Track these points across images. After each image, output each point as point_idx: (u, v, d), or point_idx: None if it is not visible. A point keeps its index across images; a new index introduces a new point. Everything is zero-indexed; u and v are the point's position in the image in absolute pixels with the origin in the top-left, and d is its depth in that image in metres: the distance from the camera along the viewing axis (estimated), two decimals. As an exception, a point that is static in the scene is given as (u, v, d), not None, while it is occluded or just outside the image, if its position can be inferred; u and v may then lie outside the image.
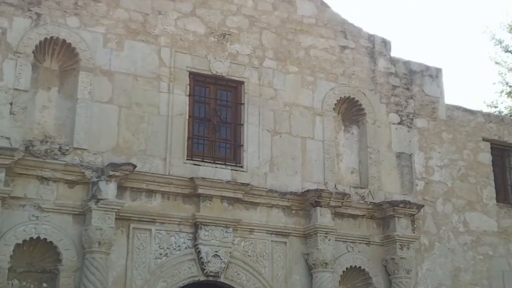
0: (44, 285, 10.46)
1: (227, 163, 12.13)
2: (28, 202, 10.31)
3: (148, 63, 11.71)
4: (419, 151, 14.14)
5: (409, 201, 13.16)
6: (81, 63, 11.12)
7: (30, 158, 10.35)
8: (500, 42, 22.96)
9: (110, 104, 11.26)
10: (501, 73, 22.88)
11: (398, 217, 12.96)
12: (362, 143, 13.64)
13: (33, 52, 10.80)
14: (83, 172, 10.62)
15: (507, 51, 22.84)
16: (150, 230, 11.15)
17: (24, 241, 10.18)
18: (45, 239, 10.29)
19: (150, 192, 11.23)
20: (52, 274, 10.47)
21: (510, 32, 22.94)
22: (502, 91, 22.83)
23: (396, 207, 12.90)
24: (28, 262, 10.39)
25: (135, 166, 10.87)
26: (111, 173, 10.59)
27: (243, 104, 12.51)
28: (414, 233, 13.24)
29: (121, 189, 10.85)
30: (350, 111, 13.76)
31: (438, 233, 13.84)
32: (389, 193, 13.40)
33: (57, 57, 11.20)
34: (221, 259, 11.45)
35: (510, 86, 22.70)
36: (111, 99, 11.28)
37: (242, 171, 12.18)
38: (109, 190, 10.59)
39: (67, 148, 10.72)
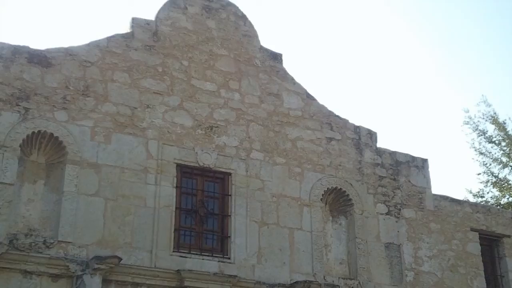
0: None
1: (214, 255, 11.77)
2: (15, 296, 9.92)
3: (135, 156, 11.54)
4: (407, 242, 13.80)
5: (400, 293, 12.76)
6: (68, 156, 10.94)
7: (14, 252, 10.01)
8: (484, 133, 22.99)
9: (97, 196, 11.00)
10: (486, 164, 22.81)
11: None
12: (350, 233, 13.32)
13: (20, 146, 10.64)
14: (68, 266, 10.26)
15: (490, 141, 22.84)
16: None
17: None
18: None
19: (136, 285, 10.84)
20: None
21: (492, 123, 23.04)
22: (488, 181, 22.68)
23: (386, 300, 12.48)
24: None
25: (120, 259, 10.51)
26: (96, 266, 10.24)
27: (230, 195, 12.26)
28: (406, 325, 12.78)
29: (106, 282, 10.46)
30: (337, 201, 13.51)
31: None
32: (378, 284, 13.00)
33: (44, 150, 11.02)
34: None
35: (495, 176, 22.57)
36: (97, 192, 11.03)
37: (230, 262, 11.80)
38: (93, 283, 10.21)
39: (52, 241, 10.39)
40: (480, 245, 14.62)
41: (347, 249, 13.23)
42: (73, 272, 10.25)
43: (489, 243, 14.98)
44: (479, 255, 14.49)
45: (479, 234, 14.69)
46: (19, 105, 10.77)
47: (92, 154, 11.17)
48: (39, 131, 10.85)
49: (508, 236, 15.02)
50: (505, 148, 22.60)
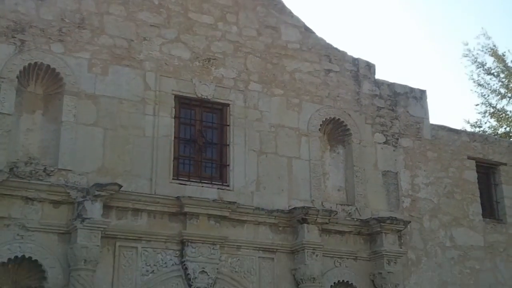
0: (29, 303, 10.01)
1: (213, 182, 11.68)
2: (12, 222, 9.89)
3: (133, 87, 11.35)
4: (404, 170, 13.63)
5: (395, 217, 12.66)
6: (66, 87, 10.77)
7: (15, 179, 9.95)
8: (483, 65, 22.53)
9: (95, 126, 10.87)
10: (484, 95, 22.46)
11: (385, 233, 12.43)
12: (348, 162, 13.15)
13: (17, 77, 10.47)
14: (68, 192, 10.21)
15: (489, 73, 22.40)
16: (137, 248, 10.68)
17: (9, 259, 9.74)
18: (30, 257, 9.84)
19: (136, 211, 10.79)
20: (37, 292, 10.01)
21: (491, 56, 22.54)
22: (486, 112, 22.37)
23: (383, 223, 12.37)
24: (13, 280, 9.95)
25: (120, 186, 10.45)
26: (97, 193, 10.18)
27: (228, 125, 12.10)
28: (401, 248, 12.72)
29: (106, 208, 10.42)
30: (335, 131, 13.30)
31: (425, 248, 13.26)
32: (375, 210, 12.89)
33: (41, 81, 10.86)
34: (208, 275, 10.94)
35: (493, 107, 22.22)
36: (96, 122, 10.90)
37: (229, 190, 11.72)
38: (94, 209, 10.16)
39: (52, 169, 10.33)
40: (477, 172, 14.42)
41: (345, 177, 13.09)
42: (74, 199, 10.20)
43: (486, 171, 14.77)
44: (475, 182, 14.31)
45: (475, 162, 14.49)
46: (15, 37, 10.56)
47: (90, 86, 11.00)
48: (35, 63, 10.67)
49: (505, 164, 14.80)
50: (503, 79, 22.21)
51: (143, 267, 10.62)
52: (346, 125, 13.23)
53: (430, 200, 13.63)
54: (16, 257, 9.77)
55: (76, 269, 9.91)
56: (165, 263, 10.82)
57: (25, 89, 10.72)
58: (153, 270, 10.69)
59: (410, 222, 12.94)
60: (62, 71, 10.79)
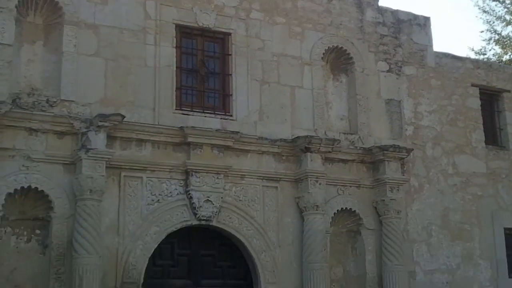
0: (37, 231, 10.09)
1: (216, 113, 11.63)
2: (17, 153, 9.89)
3: (133, 17, 11.13)
4: (408, 98, 13.56)
5: (398, 145, 12.64)
6: (65, 17, 10.56)
7: (18, 110, 9.89)
8: (488, -9, 22.15)
9: (96, 57, 10.73)
10: (489, 21, 22.10)
11: (387, 160, 12.45)
12: (351, 91, 13.05)
13: (16, 6, 10.24)
14: (72, 123, 10.17)
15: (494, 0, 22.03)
16: (141, 177, 10.71)
17: (15, 190, 9.79)
18: (36, 188, 9.89)
19: (140, 142, 10.77)
20: (44, 221, 10.10)
21: (497, -18, 22.12)
22: (491, 39, 22.07)
23: (385, 151, 12.37)
24: (20, 210, 10.02)
25: (123, 117, 10.39)
26: (100, 123, 10.13)
27: (230, 55, 11.94)
28: (403, 175, 12.77)
29: (110, 139, 10.39)
30: (338, 60, 13.15)
31: (427, 175, 13.32)
32: (378, 138, 12.88)
33: (41, 11, 10.62)
34: (213, 204, 11.01)
35: (498, 34, 21.91)
36: (97, 52, 10.74)
37: (232, 120, 11.68)
38: (98, 140, 10.14)
39: (55, 100, 10.25)
40: (480, 99, 14.35)
41: (348, 106, 13.02)
42: (78, 130, 10.17)
43: (489, 98, 14.70)
44: (478, 109, 14.26)
45: (479, 89, 14.40)
46: (11, -34, 10.32)
47: (89, 15, 10.78)
48: (33, -9, 10.46)
49: (508, 91, 14.71)
50: (509, 5, 21.81)
51: (148, 197, 10.68)
52: (349, 54, 13.07)
53: (433, 128, 13.60)
54: (22, 187, 9.82)
55: (82, 199, 9.97)
56: (170, 192, 10.88)
57: (25, 19, 10.51)
58: (158, 200, 10.76)
59: (413, 150, 12.94)
60: (61, 0, 10.57)
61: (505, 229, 13.67)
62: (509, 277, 13.47)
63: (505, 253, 13.53)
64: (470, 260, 13.22)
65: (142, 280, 10.39)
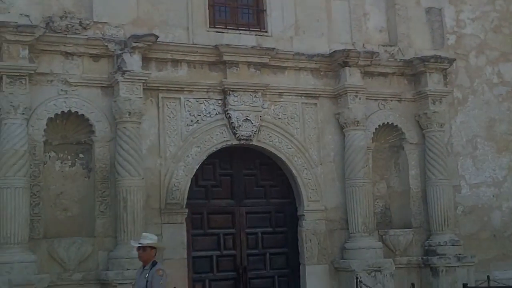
0: (81, 155, 10.64)
1: (251, 29, 11.85)
2: (55, 78, 10.32)
3: None
4: (449, 5, 13.63)
5: (440, 55, 12.78)
6: None
7: (52, 34, 10.24)
8: None
9: (127, -24, 10.96)
10: None
11: (429, 72, 12.65)
12: (389, 0, 13.08)
13: None
14: (106, 45, 10.52)
15: None
16: (179, 98, 11.11)
17: (56, 115, 10.27)
18: (76, 112, 10.36)
19: (176, 62, 11.10)
20: (87, 145, 10.62)
21: None
22: None
23: (427, 63, 12.54)
24: (63, 135, 10.54)
25: (157, 37, 10.69)
26: (134, 44, 10.46)
27: (263, -32, 12.05)
28: (446, 87, 12.96)
29: (146, 60, 10.75)
30: (375, -31, 13.13)
31: (471, 86, 13.49)
32: (419, 50, 13.02)
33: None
34: (252, 123, 11.39)
35: None
36: (128, -29, 10.97)
37: (267, 36, 11.92)
38: (133, 61, 10.50)
39: (88, 22, 10.56)
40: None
41: (387, 17, 13.10)
42: (113, 52, 10.51)
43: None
44: (525, 7, 14.16)
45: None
46: None
47: None
48: None
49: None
50: None
51: (187, 118, 11.10)
52: (385, -38, 13.07)
53: (476, 36, 13.67)
54: (62, 112, 10.29)
55: (122, 121, 10.41)
56: (209, 112, 11.27)
57: None
58: (197, 120, 11.17)
59: (455, 60, 13.09)
60: None
61: (553, 139, 13.86)
62: (558, 188, 13.73)
63: (553, 163, 13.75)
64: (517, 172, 13.53)
65: (185, 201, 10.92)
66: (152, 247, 7.94)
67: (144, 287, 7.70)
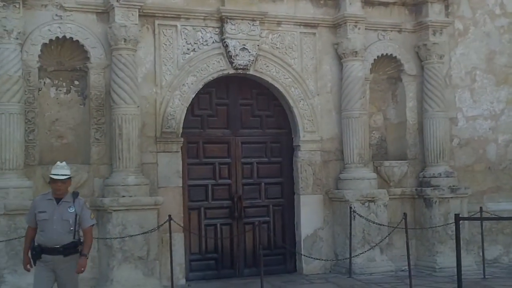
0: (76, 82, 10.78)
1: (249, -45, 11.77)
2: (49, 2, 10.31)
3: None
4: None
5: (442, -16, 12.74)
6: None
7: (46, -44, 10.22)
8: None
9: None
10: None
11: (431, 2, 12.64)
12: None
13: None
14: None
15: None
16: (176, 26, 11.16)
17: (51, 40, 10.34)
18: (71, 38, 10.42)
19: None
20: (82, 72, 10.74)
21: None
22: None
23: (428, -8, 12.51)
24: (58, 61, 10.63)
25: (152, -43, 10.65)
26: None
27: None
28: (447, 18, 12.96)
29: None
30: None
31: (473, 17, 13.53)
32: (421, -22, 12.93)
33: None
34: (249, 52, 11.47)
35: None
36: None
37: (265, -38, 11.85)
38: None
39: None
40: None
41: None
42: (108, -24, 10.50)
43: None
44: None
45: None
46: None
47: None
48: None
49: None
50: None
51: (183, 46, 11.18)
52: None
53: (480, -35, 13.63)
54: (57, 37, 10.35)
55: (117, 48, 10.48)
56: (206, 40, 11.34)
57: None
58: (194, 49, 11.25)
59: (457, -11, 13.10)
60: None
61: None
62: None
63: (551, 96, 13.94)
64: (514, 105, 13.75)
65: (181, 130, 11.13)
66: (69, 178, 7.38)
67: (73, 220, 7.14)
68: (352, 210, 11.56)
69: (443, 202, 12.29)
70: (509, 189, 13.57)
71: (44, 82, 10.53)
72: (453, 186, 12.40)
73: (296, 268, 12.08)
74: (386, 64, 12.78)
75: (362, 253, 11.30)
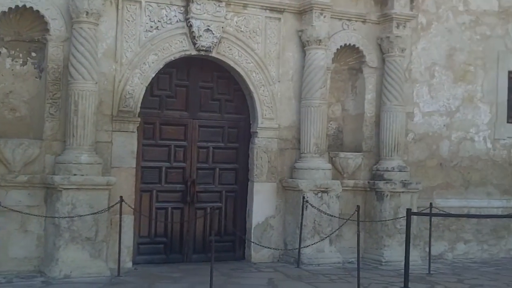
0: (33, 54, 10.56)
1: None
2: (9, -24, 10.06)
3: None
4: None
5: (409, -23, 12.90)
6: None
7: None
8: None
9: None
10: None
11: (397, -6, 12.78)
12: None
13: None
14: None
15: None
16: (140, 2, 11.01)
17: (10, 9, 10.07)
18: (31, 7, 10.18)
19: None
20: (40, 44, 10.52)
21: None
22: None
23: (395, -16, 12.66)
24: (16, 31, 10.38)
25: None
26: None
27: None
28: (412, 11, 13.13)
29: None
30: None
31: (437, 12, 13.78)
32: (389, -30, 13.07)
33: None
34: (213, 34, 11.43)
35: None
36: None
37: None
38: None
39: None
40: None
41: None
42: None
43: None
44: None
45: None
46: None
47: None
48: None
49: None
50: None
51: (147, 23, 11.06)
52: None
53: (445, -41, 13.86)
54: (17, 6, 10.09)
55: (78, 21, 10.28)
56: (170, 19, 11.24)
57: None
58: (157, 26, 11.14)
59: (424, -17, 13.30)
60: None
61: (510, 72, 14.41)
62: (507, 122, 14.45)
63: (507, 97, 14.38)
64: (470, 103, 14.11)
65: (138, 110, 11.06)
66: None
67: None
68: (304, 200, 11.75)
69: (394, 196, 12.59)
70: (459, 186, 14.01)
71: (0, 52, 10.28)
72: (405, 180, 12.71)
73: (245, 255, 12.24)
74: (348, 54, 12.93)
75: (313, 244, 11.50)
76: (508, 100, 14.42)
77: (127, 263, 10.93)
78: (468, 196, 14.07)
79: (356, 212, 10.30)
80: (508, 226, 14.34)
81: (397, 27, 12.82)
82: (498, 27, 14.35)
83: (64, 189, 10.07)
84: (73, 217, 10.05)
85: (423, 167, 13.68)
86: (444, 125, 13.87)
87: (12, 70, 10.42)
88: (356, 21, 12.84)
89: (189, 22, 11.29)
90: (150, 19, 11.09)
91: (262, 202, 12.12)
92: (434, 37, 13.73)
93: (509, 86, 14.43)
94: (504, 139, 14.41)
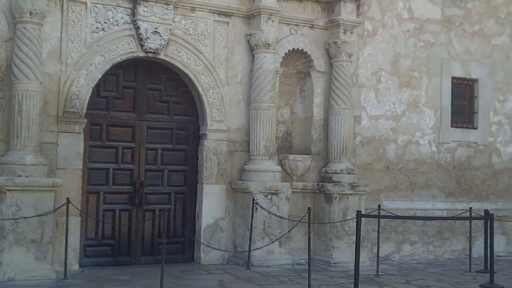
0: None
1: None
2: None
3: None
4: None
5: (355, -15, 12.58)
6: None
7: None
8: None
9: None
10: None
11: (344, 1, 12.46)
12: None
13: None
14: None
15: None
16: (86, 3, 10.46)
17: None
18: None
19: None
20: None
21: None
22: None
23: (341, -9, 12.33)
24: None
25: None
26: None
27: None
28: (358, 18, 12.83)
29: (51, -39, 9.95)
30: None
31: (382, 19, 13.49)
32: (335, -23, 12.73)
33: None
34: (161, 36, 10.92)
35: None
36: None
37: (184, -51, 11.30)
38: None
39: None
40: None
41: None
42: None
43: None
44: (440, -47, 14.16)
45: None
46: None
47: None
48: None
49: None
50: None
51: (93, 24, 10.50)
52: None
53: (390, -32, 13.60)
54: (-44, 5, 9.46)
55: (22, 21, 9.69)
56: (116, 21, 10.69)
57: None
58: (103, 28, 10.59)
59: (369, -9, 13.00)
60: None
61: (453, 78, 14.19)
62: (451, 126, 14.17)
63: (450, 102, 14.13)
64: (415, 107, 13.80)
65: (85, 111, 10.47)
66: None
67: None
68: (254, 202, 11.25)
69: (343, 198, 12.18)
70: (405, 188, 13.67)
71: None
72: (353, 183, 12.31)
73: (194, 258, 11.67)
74: (297, 58, 12.53)
75: (263, 246, 10.99)
76: (452, 105, 14.18)
77: (74, 266, 10.31)
78: (414, 198, 13.71)
79: (307, 214, 9.81)
80: (453, 228, 14.00)
81: (344, 33, 12.47)
82: (442, 34, 14.11)
83: (8, 190, 9.46)
84: (17, 219, 9.45)
85: (370, 170, 13.29)
86: (390, 129, 13.53)
87: (-47, 69, 9.75)
88: (304, 26, 12.45)
89: (136, 24, 10.76)
90: (96, 20, 10.53)
91: (212, 204, 11.58)
92: (380, 44, 13.41)
93: (453, 92, 14.20)
94: (448, 143, 14.12)
